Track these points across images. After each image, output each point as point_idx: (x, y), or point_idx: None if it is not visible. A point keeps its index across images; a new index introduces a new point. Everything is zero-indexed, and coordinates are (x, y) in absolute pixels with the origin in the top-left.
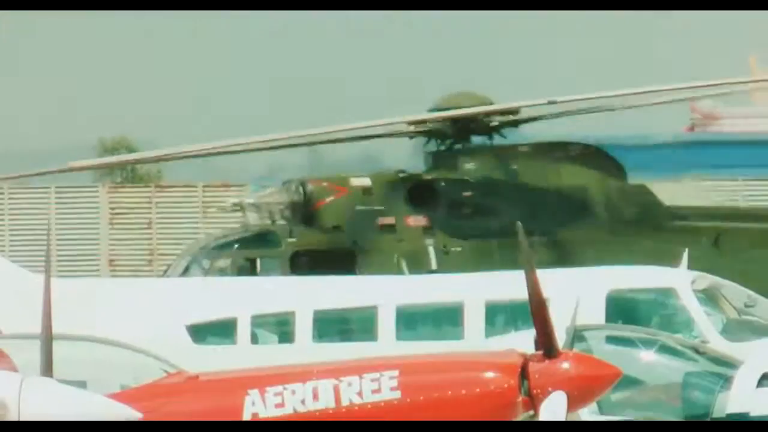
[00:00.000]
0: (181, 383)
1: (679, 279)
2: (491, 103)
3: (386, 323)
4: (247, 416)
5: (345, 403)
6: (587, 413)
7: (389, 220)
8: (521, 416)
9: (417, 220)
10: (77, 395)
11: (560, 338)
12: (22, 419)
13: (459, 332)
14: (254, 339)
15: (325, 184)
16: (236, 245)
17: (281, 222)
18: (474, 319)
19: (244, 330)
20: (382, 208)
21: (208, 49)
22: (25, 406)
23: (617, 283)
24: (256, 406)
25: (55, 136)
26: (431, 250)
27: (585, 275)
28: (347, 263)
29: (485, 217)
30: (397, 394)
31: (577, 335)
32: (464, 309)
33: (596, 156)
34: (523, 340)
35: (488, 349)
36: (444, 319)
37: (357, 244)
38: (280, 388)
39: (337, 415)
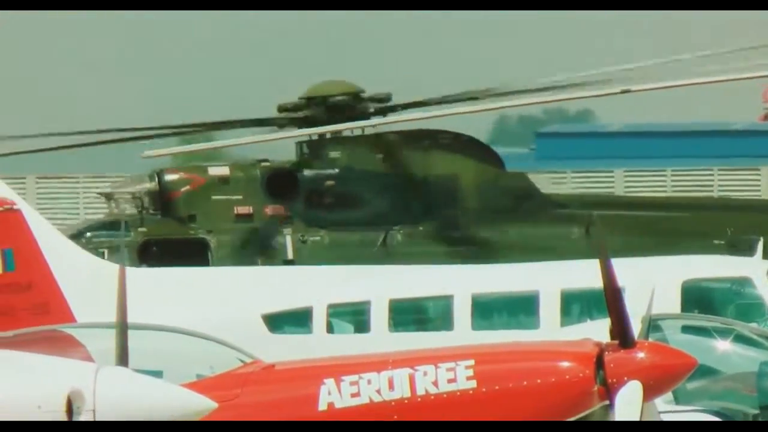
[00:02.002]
0: (257, 373)
1: (754, 268)
2: (362, 92)
3: (462, 312)
4: (322, 406)
5: (420, 392)
6: (662, 403)
7: (246, 209)
8: (596, 405)
9: (275, 210)
10: (152, 385)
11: (635, 327)
12: (97, 409)
13: (534, 321)
14: (330, 328)
15: (181, 173)
16: (87, 234)
17: (135, 211)
18: (549, 309)
19: (319, 319)
20: (240, 197)
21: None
22: (100, 396)
23: (692, 272)
24: (331, 396)
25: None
26: (288, 239)
27: (660, 265)
28: (199, 253)
29: (346, 207)
30: (473, 384)
31: (652, 325)
32: (540, 298)
33: (469, 145)
34: (598, 330)
35: (563, 338)
36: (519, 309)
37: (211, 233)
38: (355, 377)
39: (412, 405)
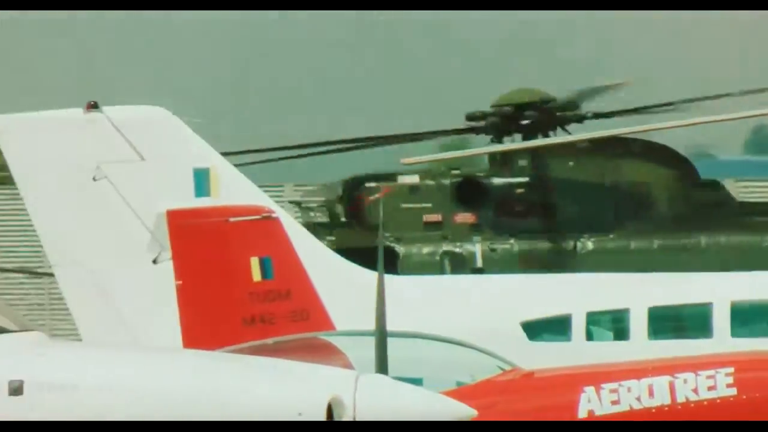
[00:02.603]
0: (516, 380)
1: None
2: (552, 99)
3: (720, 320)
4: (582, 413)
5: (680, 400)
6: None
7: (435, 217)
8: None
9: (464, 218)
10: (412, 392)
11: None
12: (357, 416)
13: None
14: (589, 336)
15: (372, 182)
16: None
17: (325, 220)
18: None
19: (578, 327)
20: (429, 205)
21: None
22: (360, 403)
23: None
24: (591, 403)
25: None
26: (478, 247)
27: None
28: (387, 262)
29: (536, 214)
30: (733, 391)
31: None
32: None
33: (661, 153)
34: None
35: None
36: None
37: (400, 241)
38: (615, 385)
39: (672, 412)
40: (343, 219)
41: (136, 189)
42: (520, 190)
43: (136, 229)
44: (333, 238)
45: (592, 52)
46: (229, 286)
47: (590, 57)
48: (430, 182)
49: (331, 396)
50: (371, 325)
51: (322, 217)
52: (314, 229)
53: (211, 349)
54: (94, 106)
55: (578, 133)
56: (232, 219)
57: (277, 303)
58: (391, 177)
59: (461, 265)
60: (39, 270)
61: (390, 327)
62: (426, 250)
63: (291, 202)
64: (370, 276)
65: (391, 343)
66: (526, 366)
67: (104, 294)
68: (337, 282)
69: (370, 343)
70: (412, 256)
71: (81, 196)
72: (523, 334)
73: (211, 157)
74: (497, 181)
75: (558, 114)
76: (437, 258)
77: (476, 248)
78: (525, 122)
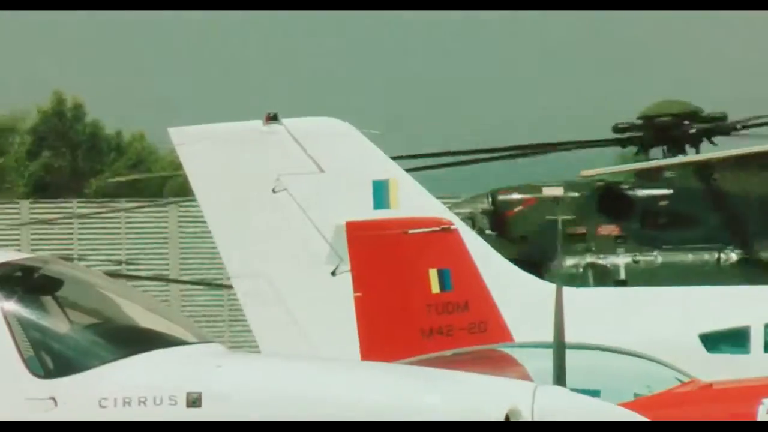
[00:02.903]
0: (694, 392)
1: None
2: (700, 111)
3: None
4: None
5: None
6: None
7: (579, 229)
8: None
9: (608, 229)
10: (589, 404)
11: None
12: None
13: None
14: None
15: (516, 193)
16: None
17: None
18: None
19: (757, 339)
20: (573, 217)
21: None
22: (538, 414)
23: None
24: None
25: None
26: (621, 259)
27: None
28: (533, 273)
29: (680, 226)
30: None
31: None
32: None
33: None
34: None
35: None
36: None
37: (545, 254)
38: None
39: None
40: (488, 231)
41: (315, 201)
42: (664, 202)
43: (315, 240)
44: None
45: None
46: (407, 298)
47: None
48: (574, 193)
49: (509, 407)
50: (549, 337)
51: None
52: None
53: (389, 361)
54: (273, 117)
55: (725, 144)
56: (411, 231)
57: (455, 315)
58: (536, 189)
59: (604, 277)
60: (218, 282)
61: (568, 338)
62: (570, 262)
63: None
64: (547, 287)
65: (569, 354)
66: (705, 378)
67: (283, 305)
68: (515, 293)
69: (548, 354)
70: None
71: (260, 207)
72: (701, 346)
73: (391, 168)
74: (641, 192)
75: (706, 126)
76: (581, 270)
77: (620, 260)
78: (673, 134)
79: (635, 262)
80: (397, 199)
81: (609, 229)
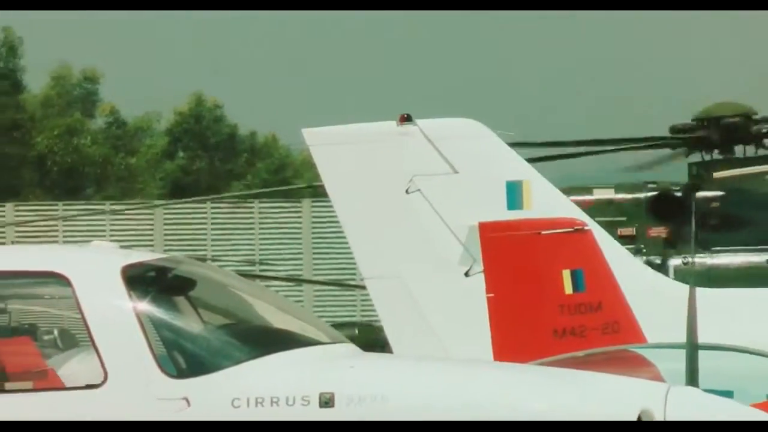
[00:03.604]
0: None
1: None
2: (755, 113)
3: None
4: None
5: None
6: None
7: (629, 231)
8: None
9: (659, 231)
10: (722, 405)
11: None
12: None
13: None
14: None
15: (567, 195)
16: None
17: None
18: None
19: None
20: (624, 218)
21: None
22: (671, 415)
23: None
24: None
25: None
26: (671, 261)
27: None
28: None
29: (731, 228)
30: None
31: None
32: None
33: None
34: None
35: None
36: None
37: None
38: None
39: None
40: None
41: (449, 202)
42: (715, 204)
43: (448, 241)
44: None
45: None
46: (540, 299)
47: None
48: (625, 195)
49: (641, 408)
50: (681, 338)
51: None
52: None
53: (521, 362)
54: (407, 118)
55: None
56: (544, 232)
57: (588, 315)
58: (587, 191)
59: None
60: (351, 282)
61: (700, 339)
62: None
63: None
64: (679, 288)
65: (702, 355)
66: None
67: (415, 306)
68: (648, 294)
69: (681, 355)
70: None
71: (393, 208)
72: None
73: (524, 169)
74: (693, 194)
75: (763, 129)
76: None
77: (670, 262)
78: (738, 135)
79: (685, 264)
80: (531, 199)
81: (659, 231)
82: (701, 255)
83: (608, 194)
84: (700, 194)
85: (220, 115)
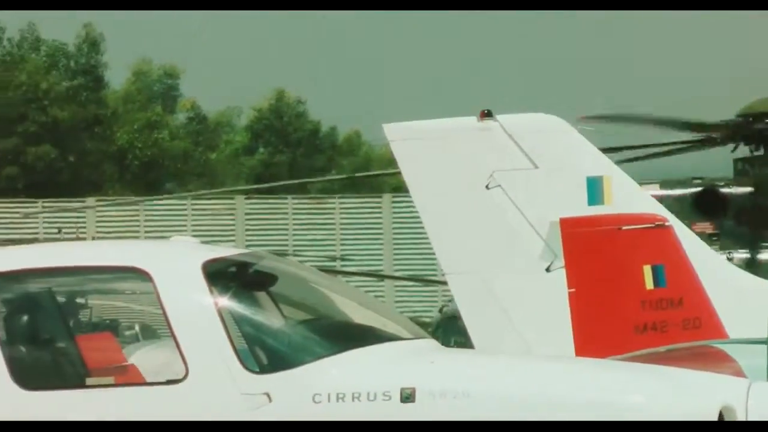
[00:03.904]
0: None
1: None
2: None
3: None
4: None
5: None
6: None
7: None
8: None
9: (702, 227)
10: None
11: None
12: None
13: None
14: None
15: None
16: None
17: None
18: None
19: None
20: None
21: None
22: (752, 411)
23: None
24: None
25: None
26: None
27: None
28: None
29: None
30: None
31: None
32: None
33: None
34: None
35: None
36: None
37: None
38: None
39: None
40: None
41: (529, 197)
42: (761, 199)
43: (529, 237)
44: None
45: None
46: (621, 294)
47: None
48: (670, 191)
49: (722, 404)
50: (763, 333)
51: None
52: None
53: (602, 357)
54: (488, 114)
55: None
56: (625, 227)
57: (669, 311)
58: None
59: None
60: (432, 278)
61: None
62: None
63: None
64: (762, 283)
65: None
66: None
67: (496, 302)
68: (729, 289)
69: (763, 351)
70: None
71: (474, 204)
72: None
73: (605, 165)
74: (738, 190)
75: None
76: None
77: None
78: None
79: (729, 260)
80: (611, 195)
81: (703, 227)
82: (745, 251)
83: (654, 190)
84: (745, 190)
85: (302, 111)
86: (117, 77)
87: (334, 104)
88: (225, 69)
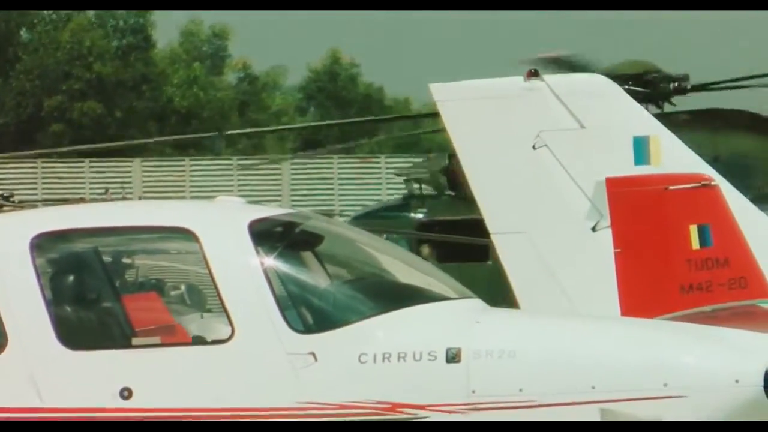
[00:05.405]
0: None
1: None
2: (659, 71)
3: None
4: None
5: None
6: None
7: None
8: None
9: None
10: None
11: None
12: None
13: None
14: None
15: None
16: (370, 216)
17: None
18: None
19: None
20: None
21: None
22: None
23: None
24: None
25: None
26: None
27: None
28: (477, 234)
29: None
30: None
31: None
32: None
33: (763, 124)
34: None
35: None
36: None
37: None
38: None
39: None
40: (447, 192)
41: (576, 157)
42: None
43: (575, 197)
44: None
45: None
46: (667, 254)
47: None
48: None
49: (767, 364)
50: None
51: (430, 190)
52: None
53: (648, 317)
54: (534, 74)
55: (683, 105)
56: (671, 187)
57: (715, 271)
58: None
59: None
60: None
61: None
62: None
63: (398, 174)
64: None
65: None
66: None
67: (543, 262)
68: None
69: None
70: None
71: (520, 164)
72: None
73: (651, 124)
74: None
75: (662, 86)
76: None
77: None
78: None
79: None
80: (658, 154)
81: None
82: None
83: None
84: None
85: (356, 74)
86: (165, 37)
87: (391, 69)
88: (274, 29)
